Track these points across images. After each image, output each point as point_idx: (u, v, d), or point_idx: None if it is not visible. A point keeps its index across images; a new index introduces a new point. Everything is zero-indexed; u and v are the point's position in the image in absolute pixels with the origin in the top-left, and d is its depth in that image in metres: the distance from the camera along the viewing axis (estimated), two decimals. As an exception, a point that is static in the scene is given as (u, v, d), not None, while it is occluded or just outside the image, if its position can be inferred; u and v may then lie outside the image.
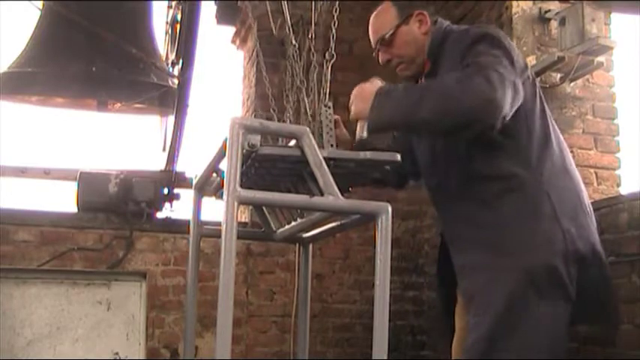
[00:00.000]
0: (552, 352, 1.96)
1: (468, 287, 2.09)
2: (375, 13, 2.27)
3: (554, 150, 2.10)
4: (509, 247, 1.99)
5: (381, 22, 2.23)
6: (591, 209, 2.14)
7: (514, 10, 3.65)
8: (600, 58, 3.39)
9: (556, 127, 2.18)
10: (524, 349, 1.94)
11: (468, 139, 2.03)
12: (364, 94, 2.01)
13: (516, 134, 2.04)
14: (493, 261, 2.00)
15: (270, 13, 4.12)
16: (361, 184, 2.33)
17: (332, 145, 2.06)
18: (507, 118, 1.91)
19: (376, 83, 2.04)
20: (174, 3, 4.55)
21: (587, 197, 2.15)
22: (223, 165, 1.97)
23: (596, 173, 3.57)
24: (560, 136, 2.18)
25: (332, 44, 3.14)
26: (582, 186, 2.16)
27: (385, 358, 1.78)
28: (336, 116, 2.20)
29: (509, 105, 1.89)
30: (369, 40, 2.29)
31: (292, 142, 1.87)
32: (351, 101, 2.06)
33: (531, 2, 3.68)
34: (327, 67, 3.21)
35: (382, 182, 2.44)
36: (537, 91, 2.13)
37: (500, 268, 1.98)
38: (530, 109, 2.07)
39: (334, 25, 3.22)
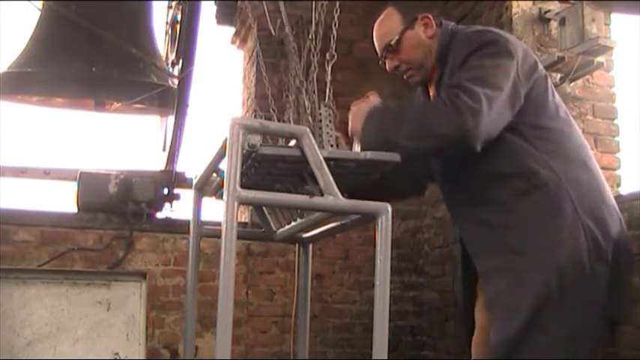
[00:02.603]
0: (575, 352, 1.94)
1: (493, 290, 2.05)
2: (378, 20, 2.22)
3: (571, 145, 2.07)
4: (534, 248, 1.96)
5: (385, 28, 2.19)
6: (614, 203, 2.10)
7: (514, 10, 3.65)
8: (600, 59, 3.39)
9: (573, 121, 2.15)
10: (549, 350, 1.92)
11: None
12: (358, 113, 2.05)
13: (527, 133, 2.02)
14: (518, 262, 1.98)
15: (268, 13, 4.12)
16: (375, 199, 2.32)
17: (332, 146, 2.06)
18: (492, 136, 1.94)
19: (371, 101, 2.06)
20: (174, 3, 4.55)
21: (608, 191, 2.11)
22: (223, 165, 1.97)
23: (596, 173, 3.56)
24: (578, 131, 2.15)
25: (333, 44, 3.13)
26: (602, 179, 2.11)
27: (385, 358, 1.77)
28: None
29: (488, 125, 1.91)
30: (370, 40, 2.27)
31: (292, 142, 1.87)
32: (349, 119, 2.08)
33: (531, 2, 3.67)
34: (328, 67, 3.21)
35: (401, 194, 2.43)
36: (549, 87, 2.11)
37: (525, 270, 1.96)
38: (541, 106, 2.06)
39: (335, 25, 3.22)
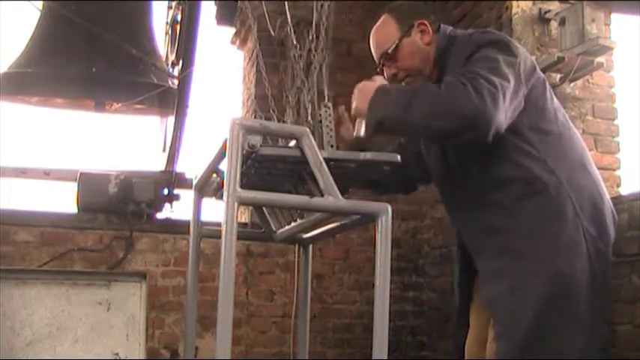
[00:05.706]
0: (586, 353, 1.94)
1: (493, 292, 2.03)
2: (375, 27, 2.22)
3: (571, 148, 2.07)
4: (536, 252, 1.95)
5: (382, 36, 2.18)
6: (612, 206, 2.10)
7: (514, 10, 3.65)
8: (600, 59, 3.39)
9: (571, 124, 2.15)
10: (561, 352, 1.92)
11: (465, 146, 2.02)
12: (365, 91, 2.00)
13: (528, 136, 2.01)
14: (519, 266, 1.97)
15: (267, 14, 4.12)
16: (365, 189, 2.33)
17: (332, 146, 2.05)
18: (502, 129, 1.90)
19: (378, 81, 2.04)
20: (174, 3, 4.55)
21: (606, 194, 2.11)
22: (223, 165, 1.97)
23: (596, 174, 3.56)
24: (577, 133, 2.15)
25: (327, 45, 3.14)
26: (601, 183, 2.11)
27: (385, 358, 1.77)
28: (343, 111, 2.17)
29: (502, 115, 1.87)
30: (368, 41, 2.27)
31: (292, 143, 1.87)
32: (353, 97, 2.05)
33: (531, 2, 3.67)
34: (323, 67, 3.22)
35: (387, 189, 2.43)
36: (548, 90, 2.11)
37: (526, 274, 1.95)
38: (541, 109, 2.05)
39: (324, 24, 3.21)
